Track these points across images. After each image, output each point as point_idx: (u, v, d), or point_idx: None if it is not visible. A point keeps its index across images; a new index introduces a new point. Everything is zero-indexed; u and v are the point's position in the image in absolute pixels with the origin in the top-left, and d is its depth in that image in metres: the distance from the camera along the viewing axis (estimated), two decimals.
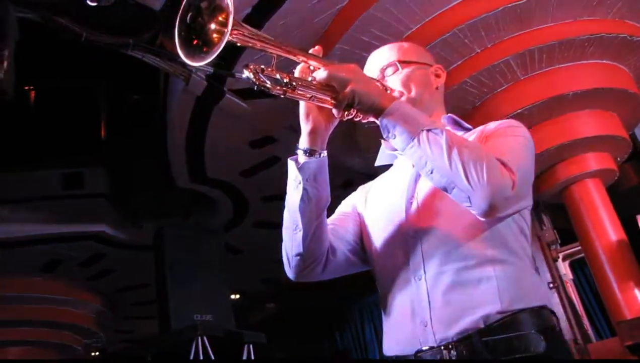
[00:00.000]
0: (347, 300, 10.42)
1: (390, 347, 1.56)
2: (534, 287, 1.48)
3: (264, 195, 6.85)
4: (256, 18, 4.13)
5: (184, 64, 4.35)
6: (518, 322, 1.39)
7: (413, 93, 1.66)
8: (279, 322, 10.83)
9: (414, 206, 1.57)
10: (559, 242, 5.56)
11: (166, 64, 4.57)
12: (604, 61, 4.27)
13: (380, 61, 1.74)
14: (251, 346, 4.98)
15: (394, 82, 1.68)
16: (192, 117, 5.40)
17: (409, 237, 1.54)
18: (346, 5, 4.13)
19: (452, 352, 1.40)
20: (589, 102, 4.34)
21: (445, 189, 1.37)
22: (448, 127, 1.58)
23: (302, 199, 1.50)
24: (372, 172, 1.88)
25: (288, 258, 1.60)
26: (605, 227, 4.49)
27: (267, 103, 5.06)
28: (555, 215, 5.58)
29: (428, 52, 1.85)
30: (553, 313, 1.48)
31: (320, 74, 1.40)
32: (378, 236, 1.64)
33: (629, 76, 4.45)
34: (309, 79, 1.42)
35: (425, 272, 1.47)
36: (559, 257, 5.53)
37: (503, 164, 1.36)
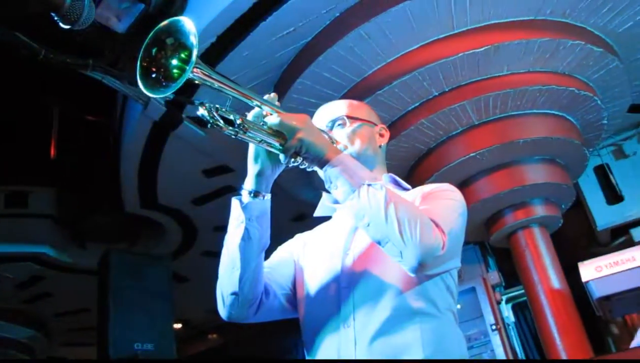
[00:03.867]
0: (292, 337, 10.31)
1: None
2: (456, 341, 1.56)
3: (215, 225, 6.78)
4: (220, 48, 4.14)
5: None
6: None
7: (357, 147, 1.75)
8: (221, 354, 10.61)
9: (349, 258, 1.64)
10: (504, 284, 5.68)
11: (125, 87, 4.52)
12: (554, 112, 4.45)
13: (331, 114, 1.83)
14: None
15: (341, 135, 1.77)
16: (147, 142, 5.34)
17: (342, 287, 1.60)
18: (311, 41, 4.19)
19: None
20: (538, 150, 4.51)
21: (379, 243, 1.43)
22: (389, 185, 1.68)
23: (242, 238, 1.56)
24: None
25: (223, 297, 1.64)
26: (548, 273, 4.61)
27: None
28: (501, 258, 5.71)
29: (374, 111, 1.94)
30: None
31: (272, 120, 1.47)
32: (313, 284, 1.69)
33: (576, 128, 4.65)
34: (261, 123, 1.48)
35: (354, 320, 1.53)
36: (502, 300, 5.65)
37: (436, 224, 1.43)
